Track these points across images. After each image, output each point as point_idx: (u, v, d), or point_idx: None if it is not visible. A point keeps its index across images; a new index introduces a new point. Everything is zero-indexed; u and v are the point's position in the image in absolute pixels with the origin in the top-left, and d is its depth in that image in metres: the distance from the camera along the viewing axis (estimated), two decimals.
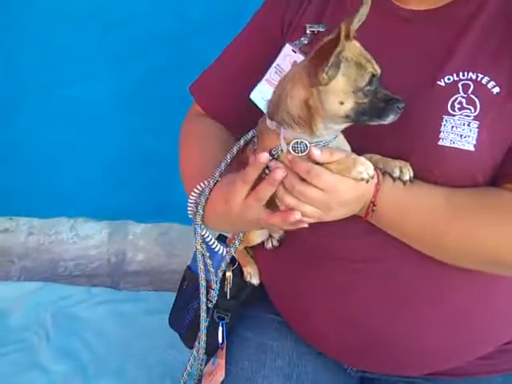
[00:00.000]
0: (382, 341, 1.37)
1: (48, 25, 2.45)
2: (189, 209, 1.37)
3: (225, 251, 1.46)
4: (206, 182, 1.32)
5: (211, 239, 1.42)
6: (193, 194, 1.35)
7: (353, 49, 1.09)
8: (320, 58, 1.06)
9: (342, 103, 1.09)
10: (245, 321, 1.63)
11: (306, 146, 1.14)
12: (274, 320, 1.61)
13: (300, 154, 1.15)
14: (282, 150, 1.17)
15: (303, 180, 1.13)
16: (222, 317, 1.57)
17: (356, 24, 1.10)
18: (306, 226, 1.21)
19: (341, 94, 1.08)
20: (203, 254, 1.44)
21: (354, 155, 1.16)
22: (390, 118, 1.11)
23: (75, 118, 2.59)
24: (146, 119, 2.58)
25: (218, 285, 1.50)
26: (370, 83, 1.08)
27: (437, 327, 1.34)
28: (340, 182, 1.14)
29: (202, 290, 1.46)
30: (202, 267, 1.44)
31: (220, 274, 1.48)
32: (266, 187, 1.15)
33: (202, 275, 1.45)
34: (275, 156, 1.17)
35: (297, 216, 1.14)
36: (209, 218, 1.35)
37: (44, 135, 2.62)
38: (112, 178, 2.68)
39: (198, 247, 1.42)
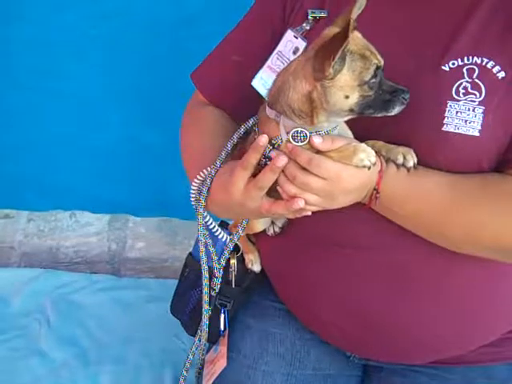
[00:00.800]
0: (385, 329, 1.37)
1: (42, 14, 2.40)
2: (191, 197, 1.36)
3: (228, 239, 1.45)
4: (208, 170, 1.32)
5: (214, 226, 1.42)
6: (195, 181, 1.34)
7: (356, 41, 1.08)
8: (326, 51, 1.04)
9: (347, 97, 1.08)
10: (247, 308, 1.62)
11: (306, 135, 1.13)
12: (276, 307, 1.60)
13: (300, 144, 1.14)
14: (282, 140, 1.16)
15: (305, 169, 1.12)
16: (224, 304, 1.56)
17: (355, 13, 1.06)
18: (309, 213, 1.20)
19: (346, 88, 1.08)
20: (206, 244, 1.43)
21: (355, 142, 1.15)
22: (396, 110, 1.11)
23: (73, 110, 2.55)
24: (145, 111, 2.54)
25: (221, 273, 1.49)
26: (375, 75, 1.08)
27: (439, 315, 1.33)
28: (342, 171, 1.13)
29: (205, 282, 1.46)
30: (205, 257, 1.44)
31: (223, 262, 1.47)
32: (268, 175, 1.14)
33: (204, 265, 1.45)
34: (275, 146, 1.16)
35: (300, 204, 1.13)
36: (211, 206, 1.34)
37: (40, 127, 2.59)
38: (110, 172, 2.65)
39: (201, 237, 1.41)
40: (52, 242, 2.84)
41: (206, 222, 1.39)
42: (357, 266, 1.34)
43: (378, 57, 1.09)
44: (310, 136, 1.13)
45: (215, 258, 1.45)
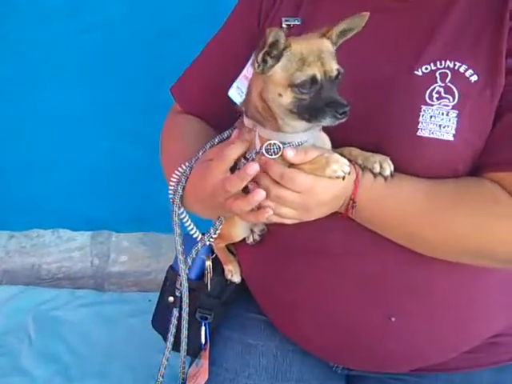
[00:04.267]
0: (363, 338, 1.36)
1: (22, 29, 2.39)
2: (169, 193, 1.35)
3: (200, 236, 1.41)
4: (183, 167, 1.32)
5: (187, 220, 1.38)
6: (172, 179, 1.33)
7: (308, 46, 1.09)
8: (260, 45, 1.08)
9: (280, 95, 1.09)
10: (228, 320, 1.60)
11: (280, 147, 1.13)
12: (258, 319, 1.58)
13: (274, 156, 1.13)
14: (256, 152, 1.15)
15: (278, 183, 1.12)
16: (205, 316, 1.54)
17: (340, 28, 1.11)
18: (288, 222, 1.19)
19: (279, 86, 1.09)
20: (181, 242, 1.39)
21: (328, 153, 1.14)
22: (327, 121, 1.08)
23: (52, 126, 2.52)
24: (125, 127, 2.52)
25: (187, 271, 1.42)
26: (310, 82, 1.07)
27: (421, 322, 1.32)
28: (316, 183, 1.12)
29: (182, 289, 1.43)
30: (181, 257, 1.40)
31: (190, 261, 1.40)
32: (236, 181, 1.13)
33: (183, 267, 1.41)
34: (249, 159, 1.16)
35: (269, 213, 1.14)
36: (186, 198, 1.33)
37: (21, 145, 2.56)
38: (92, 188, 2.63)
39: (176, 229, 1.37)
40: (34, 259, 2.80)
41: (181, 219, 1.36)
42: (335, 275, 1.33)
43: (325, 67, 1.08)
44: (282, 149, 1.13)
45: (182, 257, 1.40)
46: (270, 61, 1.09)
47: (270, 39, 1.05)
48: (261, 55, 1.08)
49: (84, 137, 2.56)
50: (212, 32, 1.61)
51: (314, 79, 1.07)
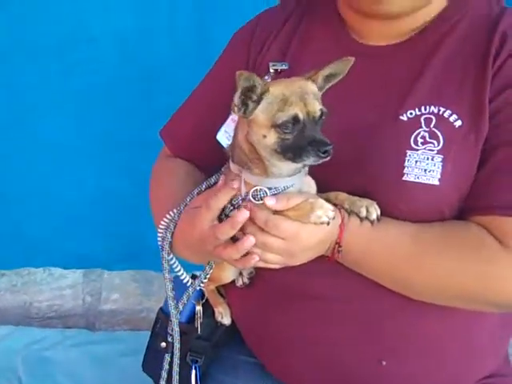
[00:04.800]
0: (357, 382, 1.35)
1: (12, 62, 2.43)
2: (158, 238, 1.35)
3: (190, 282, 1.41)
4: (172, 214, 1.33)
5: (177, 266, 1.38)
6: (161, 226, 1.34)
7: (291, 87, 1.11)
8: (235, 91, 1.11)
9: (264, 136, 1.11)
10: (219, 363, 1.58)
11: (266, 193, 1.14)
12: (249, 362, 1.57)
13: (260, 202, 1.14)
14: (242, 199, 1.16)
15: (263, 230, 1.13)
16: (196, 359, 1.53)
17: (326, 72, 1.14)
18: (276, 266, 1.20)
19: (263, 127, 1.10)
20: (172, 288, 1.39)
21: (312, 198, 1.14)
22: (310, 160, 1.09)
23: (44, 163, 2.55)
24: (117, 164, 2.54)
25: (178, 317, 1.42)
26: (292, 122, 1.08)
27: (412, 366, 1.32)
28: (300, 229, 1.13)
29: (174, 335, 1.42)
30: (172, 302, 1.40)
31: (181, 307, 1.41)
32: (227, 228, 1.14)
33: (173, 312, 1.41)
34: (235, 206, 1.17)
35: (256, 259, 1.15)
36: (175, 245, 1.34)
37: (12, 180, 2.57)
38: (83, 226, 2.63)
39: (166, 275, 1.38)
40: (25, 297, 2.78)
41: (171, 265, 1.37)
42: (324, 319, 1.33)
43: (308, 108, 1.09)
44: (269, 194, 1.14)
45: (172, 303, 1.40)
46: (250, 104, 1.11)
47: (241, 83, 1.07)
48: (236, 99, 1.10)
49: (76, 174, 2.58)
50: (202, 71, 1.63)
51: (295, 119, 1.08)
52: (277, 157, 1.12)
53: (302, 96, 1.10)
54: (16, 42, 2.41)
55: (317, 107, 1.10)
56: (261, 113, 1.11)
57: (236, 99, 1.11)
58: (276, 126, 1.09)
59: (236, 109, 1.12)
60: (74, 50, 2.42)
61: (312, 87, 1.13)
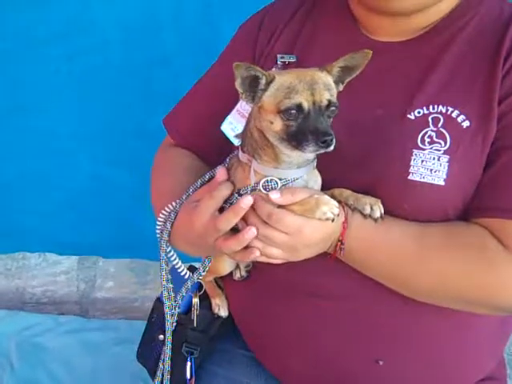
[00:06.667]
0: (353, 380, 1.34)
1: (12, 50, 2.40)
2: (157, 231, 1.35)
3: (188, 274, 1.40)
4: (173, 205, 1.32)
5: (175, 258, 1.38)
6: (160, 216, 1.33)
7: (300, 76, 1.10)
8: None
9: (271, 123, 1.11)
10: (215, 356, 1.58)
11: (277, 183, 1.13)
12: (244, 355, 1.57)
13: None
14: (252, 189, 1.15)
15: (267, 223, 1.12)
16: (191, 351, 1.52)
17: (340, 63, 1.13)
18: (277, 262, 1.19)
19: (270, 113, 1.11)
20: (168, 279, 1.39)
21: (318, 194, 1.14)
22: (310, 150, 1.08)
23: (41, 149, 2.53)
24: (114, 151, 2.53)
25: (177, 310, 1.42)
26: (298, 110, 1.07)
27: (410, 367, 1.32)
28: (304, 225, 1.12)
29: (167, 317, 1.41)
30: (168, 302, 1.40)
31: (180, 300, 1.41)
32: (229, 216, 1.13)
33: (166, 302, 1.40)
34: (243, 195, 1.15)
35: (257, 254, 1.14)
36: (174, 237, 1.33)
37: (8, 166, 2.56)
38: (80, 212, 2.62)
39: (163, 272, 1.37)
40: (19, 282, 2.77)
41: (168, 257, 1.36)
42: (322, 316, 1.32)
43: (315, 97, 1.08)
44: (280, 185, 1.13)
45: (171, 295, 1.40)
46: (259, 92, 1.11)
47: (238, 73, 1.09)
48: (238, 87, 1.11)
49: (74, 161, 2.56)
50: (206, 61, 1.61)
51: (299, 106, 1.07)
52: (283, 144, 1.11)
53: (311, 85, 1.09)
54: (17, 29, 2.38)
55: (324, 97, 1.09)
56: (267, 99, 1.11)
57: (238, 87, 1.12)
58: (281, 113, 1.08)
59: (243, 96, 1.12)
60: (75, 37, 2.40)
61: (325, 78, 1.12)
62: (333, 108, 1.10)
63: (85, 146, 2.53)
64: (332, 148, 1.07)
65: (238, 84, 1.11)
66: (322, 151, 1.08)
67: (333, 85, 1.13)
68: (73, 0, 2.37)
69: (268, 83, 1.10)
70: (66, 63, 2.44)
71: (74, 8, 2.37)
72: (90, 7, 2.38)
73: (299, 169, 1.16)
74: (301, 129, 1.08)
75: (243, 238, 1.13)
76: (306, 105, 1.08)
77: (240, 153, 1.20)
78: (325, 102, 1.09)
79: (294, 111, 1.07)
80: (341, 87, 1.16)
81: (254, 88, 1.12)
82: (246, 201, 1.11)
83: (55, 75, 2.45)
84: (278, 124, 1.10)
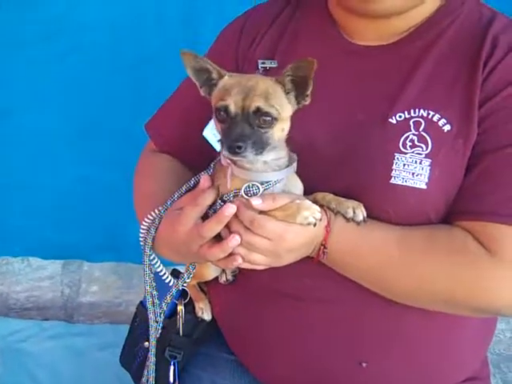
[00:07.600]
0: (337, 383, 1.34)
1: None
2: (140, 237, 1.34)
3: (173, 282, 1.40)
4: (158, 210, 1.31)
5: (159, 265, 1.37)
6: (144, 222, 1.33)
7: (241, 81, 1.11)
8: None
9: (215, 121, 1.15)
10: (198, 359, 1.57)
11: (259, 188, 1.13)
12: (228, 359, 1.56)
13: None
14: (234, 195, 1.15)
15: (249, 229, 1.12)
16: (174, 355, 1.51)
17: (287, 72, 1.11)
18: (260, 268, 1.19)
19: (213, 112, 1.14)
20: (153, 286, 1.39)
21: (299, 199, 1.13)
22: (225, 153, 1.09)
23: (24, 150, 2.51)
24: (98, 152, 2.51)
25: (162, 317, 1.42)
26: (225, 112, 1.09)
27: (393, 369, 1.32)
28: (286, 230, 1.12)
29: (151, 323, 1.41)
30: (152, 308, 1.39)
31: (164, 307, 1.40)
32: (213, 224, 1.13)
33: (150, 308, 1.40)
34: (227, 202, 1.15)
35: (238, 261, 1.14)
36: (158, 245, 1.32)
37: None
38: (63, 215, 2.60)
39: (147, 277, 1.37)
40: (2, 287, 2.74)
41: (152, 264, 1.36)
42: (305, 319, 1.32)
43: (246, 102, 1.07)
44: (262, 190, 1.13)
45: (156, 302, 1.40)
46: (211, 87, 1.15)
47: (185, 62, 1.14)
48: (192, 78, 1.16)
49: (57, 163, 2.55)
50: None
51: (226, 109, 1.09)
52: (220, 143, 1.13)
53: (247, 91, 1.09)
54: (3, 30, 2.37)
55: (254, 103, 1.08)
56: (213, 96, 1.15)
57: (191, 77, 1.17)
58: (216, 112, 1.12)
59: (201, 89, 1.17)
60: (62, 37, 2.39)
61: (271, 87, 1.11)
62: (265, 118, 1.08)
63: (68, 147, 2.51)
64: (244, 156, 1.08)
65: (190, 74, 1.15)
66: (236, 158, 1.10)
67: (278, 95, 1.11)
68: (59, 1, 2.36)
69: (218, 79, 1.14)
70: (52, 64, 2.43)
71: (60, 9, 2.37)
72: (76, 8, 2.38)
73: (279, 171, 1.16)
74: (224, 131, 1.10)
75: (227, 246, 1.13)
76: (232, 108, 1.08)
77: (222, 157, 1.20)
78: (253, 108, 1.08)
79: (222, 112, 1.10)
80: (307, 100, 1.14)
81: (209, 82, 1.15)
82: (230, 209, 1.11)
83: (41, 76, 2.44)
84: (216, 123, 1.14)
